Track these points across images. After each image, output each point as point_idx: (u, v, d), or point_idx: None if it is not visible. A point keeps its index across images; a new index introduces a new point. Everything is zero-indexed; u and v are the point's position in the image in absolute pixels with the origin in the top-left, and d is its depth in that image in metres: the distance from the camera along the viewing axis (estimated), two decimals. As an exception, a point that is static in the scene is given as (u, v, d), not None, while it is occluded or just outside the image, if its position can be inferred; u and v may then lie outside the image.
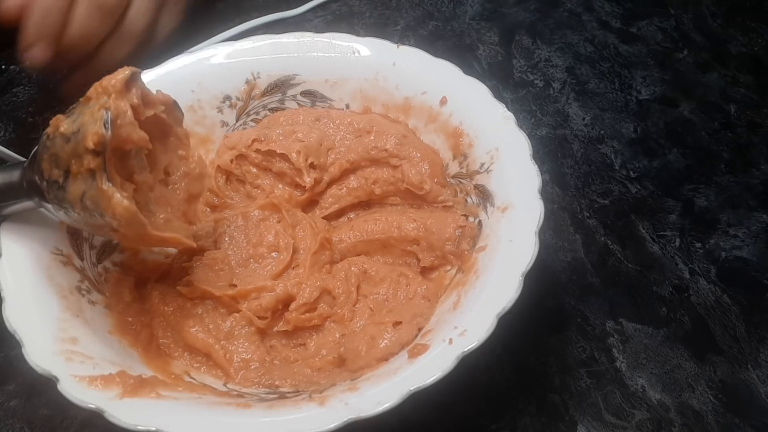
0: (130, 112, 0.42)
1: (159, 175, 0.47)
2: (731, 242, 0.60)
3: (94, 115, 0.41)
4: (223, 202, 0.57)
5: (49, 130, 0.42)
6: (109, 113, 0.41)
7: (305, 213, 0.55)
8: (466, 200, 0.52)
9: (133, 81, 0.43)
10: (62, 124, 0.41)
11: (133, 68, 0.43)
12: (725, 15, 0.82)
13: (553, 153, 0.68)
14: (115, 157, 0.42)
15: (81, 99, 0.43)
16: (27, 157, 0.45)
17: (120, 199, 0.41)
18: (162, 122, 0.46)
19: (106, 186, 0.40)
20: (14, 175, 0.44)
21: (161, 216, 0.46)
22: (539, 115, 0.71)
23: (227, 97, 0.58)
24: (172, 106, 0.47)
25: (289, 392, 0.45)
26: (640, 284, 0.58)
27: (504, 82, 0.75)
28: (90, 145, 0.40)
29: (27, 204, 0.45)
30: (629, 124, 0.70)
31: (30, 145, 0.45)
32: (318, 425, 0.38)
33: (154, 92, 0.45)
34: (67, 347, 0.41)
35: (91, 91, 0.42)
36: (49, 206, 0.44)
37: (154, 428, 0.37)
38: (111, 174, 0.41)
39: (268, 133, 0.56)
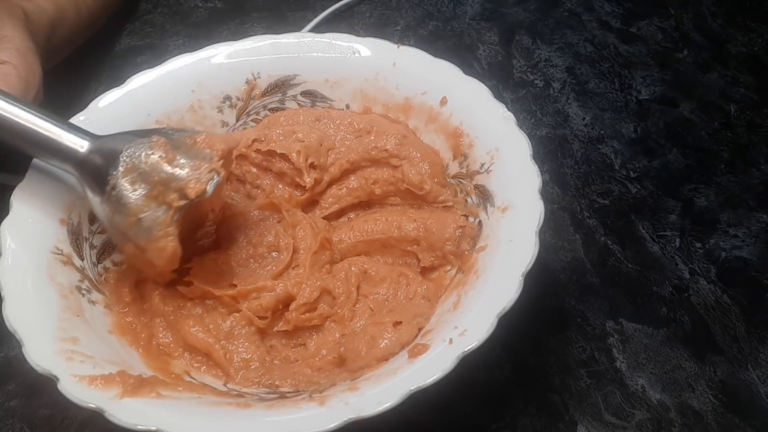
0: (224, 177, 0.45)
1: None
2: (731, 242, 0.60)
3: (201, 172, 0.43)
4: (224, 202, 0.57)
5: (153, 145, 0.44)
6: (218, 179, 0.44)
7: (305, 213, 0.55)
8: (466, 200, 0.52)
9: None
10: (169, 152, 0.43)
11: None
12: (725, 15, 0.82)
13: (553, 153, 0.68)
14: None
15: (186, 135, 0.45)
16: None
17: (175, 243, 0.44)
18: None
19: (172, 226, 0.43)
20: (82, 145, 0.45)
21: None
22: (539, 115, 0.71)
23: (227, 97, 0.58)
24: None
25: (289, 392, 0.45)
26: (640, 284, 0.58)
27: (504, 82, 0.75)
28: (192, 194, 0.43)
29: (68, 171, 0.45)
30: (629, 124, 0.70)
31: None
32: (318, 425, 0.38)
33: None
34: (67, 347, 0.41)
35: (202, 138, 0.44)
36: (89, 192, 0.45)
37: (154, 428, 0.37)
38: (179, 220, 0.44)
39: (269, 133, 0.56)
